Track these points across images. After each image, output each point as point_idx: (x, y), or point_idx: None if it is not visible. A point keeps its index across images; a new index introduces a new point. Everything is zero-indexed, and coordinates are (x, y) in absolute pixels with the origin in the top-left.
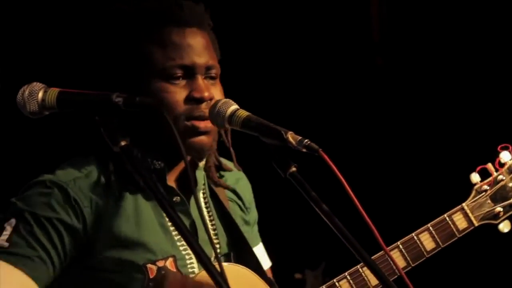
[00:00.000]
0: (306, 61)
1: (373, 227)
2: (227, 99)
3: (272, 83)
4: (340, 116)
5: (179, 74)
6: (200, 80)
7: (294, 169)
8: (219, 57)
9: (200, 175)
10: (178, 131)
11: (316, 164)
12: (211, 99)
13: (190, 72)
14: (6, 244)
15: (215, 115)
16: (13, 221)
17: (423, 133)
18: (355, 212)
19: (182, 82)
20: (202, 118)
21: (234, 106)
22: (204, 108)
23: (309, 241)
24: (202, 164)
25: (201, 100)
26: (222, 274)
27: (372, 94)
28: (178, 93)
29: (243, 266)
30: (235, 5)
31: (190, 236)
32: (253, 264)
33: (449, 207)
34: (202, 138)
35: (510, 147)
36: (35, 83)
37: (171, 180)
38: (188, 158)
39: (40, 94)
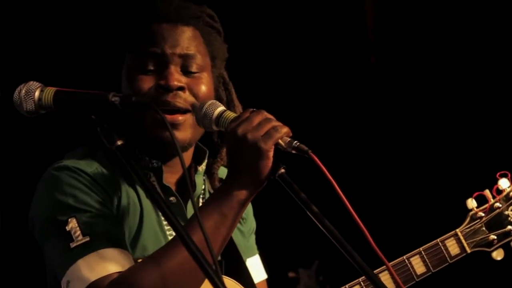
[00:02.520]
0: (300, 60)
1: (365, 230)
2: (214, 101)
3: (266, 81)
4: (333, 115)
5: (150, 66)
6: (171, 69)
7: (283, 170)
8: (216, 55)
9: (200, 179)
10: (145, 123)
11: (308, 165)
12: (181, 89)
13: (162, 63)
14: (87, 238)
15: (202, 116)
16: (71, 219)
17: (418, 142)
18: (348, 216)
19: (154, 73)
20: (166, 107)
21: (221, 108)
22: (172, 98)
23: (302, 239)
24: (202, 168)
25: (167, 88)
26: (218, 275)
27: (366, 94)
28: (146, 81)
29: (230, 278)
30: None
31: (187, 235)
32: (243, 276)
33: (443, 231)
34: (174, 134)
35: (509, 175)
36: (31, 82)
37: (169, 180)
38: (187, 161)
39: (37, 93)
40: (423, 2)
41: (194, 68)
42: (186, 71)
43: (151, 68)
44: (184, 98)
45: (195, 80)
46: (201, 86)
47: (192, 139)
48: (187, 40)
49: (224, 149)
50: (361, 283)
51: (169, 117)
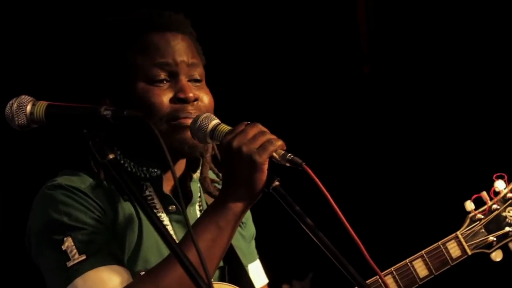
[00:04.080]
0: (294, 71)
1: (359, 242)
2: (208, 114)
3: (261, 92)
4: (328, 126)
5: (162, 76)
6: (184, 81)
7: (277, 183)
8: (204, 62)
9: (195, 187)
10: (162, 133)
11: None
12: (196, 100)
13: (173, 73)
14: (84, 256)
15: (196, 130)
16: (66, 238)
17: (416, 152)
18: (342, 227)
19: (166, 84)
20: (188, 118)
21: (216, 121)
22: (190, 109)
23: (296, 251)
24: (196, 176)
25: (186, 101)
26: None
27: (360, 104)
28: (163, 94)
29: (232, 285)
30: (226, 14)
31: (180, 251)
32: (245, 282)
33: (441, 235)
34: (187, 133)
35: (506, 176)
36: (23, 96)
37: (168, 189)
38: (181, 170)
39: (29, 107)
40: (415, 12)
41: (198, 77)
42: (192, 80)
43: (162, 79)
44: (199, 108)
45: (200, 89)
46: (207, 95)
47: (202, 147)
48: (189, 49)
49: (209, 154)
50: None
51: (189, 120)
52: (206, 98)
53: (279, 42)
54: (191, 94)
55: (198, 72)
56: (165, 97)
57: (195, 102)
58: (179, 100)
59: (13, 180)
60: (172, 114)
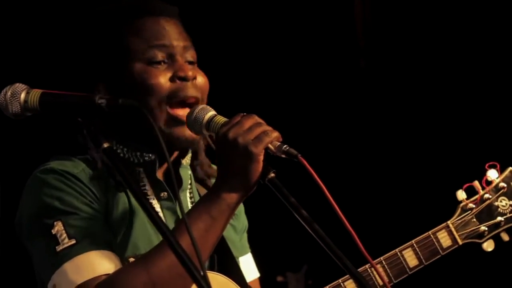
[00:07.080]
0: (290, 64)
1: (354, 234)
2: (204, 105)
3: (257, 85)
4: (324, 118)
5: (160, 58)
6: (181, 61)
7: (272, 174)
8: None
9: (185, 173)
10: (161, 120)
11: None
12: (194, 79)
13: (170, 55)
14: (74, 241)
15: (192, 121)
16: (57, 222)
17: (409, 142)
18: (338, 219)
19: (164, 65)
20: (187, 100)
21: (212, 112)
22: (190, 87)
23: (291, 243)
24: (186, 162)
25: (186, 79)
26: (205, 276)
27: (355, 96)
28: (161, 75)
29: (223, 275)
30: (223, 8)
31: (174, 240)
32: (234, 272)
33: (433, 224)
34: (186, 129)
35: (498, 166)
36: (17, 84)
37: (160, 175)
38: (175, 154)
39: (23, 95)
40: (412, 6)
41: (193, 59)
42: (187, 62)
43: (160, 60)
44: (200, 87)
45: (195, 70)
46: (202, 76)
47: (199, 141)
48: (183, 32)
49: (201, 141)
50: (341, 284)
51: (182, 112)
52: (201, 79)
53: (275, 35)
54: (190, 73)
55: (191, 55)
56: (164, 78)
57: (195, 81)
58: (179, 78)
59: (11, 169)
60: (172, 93)
